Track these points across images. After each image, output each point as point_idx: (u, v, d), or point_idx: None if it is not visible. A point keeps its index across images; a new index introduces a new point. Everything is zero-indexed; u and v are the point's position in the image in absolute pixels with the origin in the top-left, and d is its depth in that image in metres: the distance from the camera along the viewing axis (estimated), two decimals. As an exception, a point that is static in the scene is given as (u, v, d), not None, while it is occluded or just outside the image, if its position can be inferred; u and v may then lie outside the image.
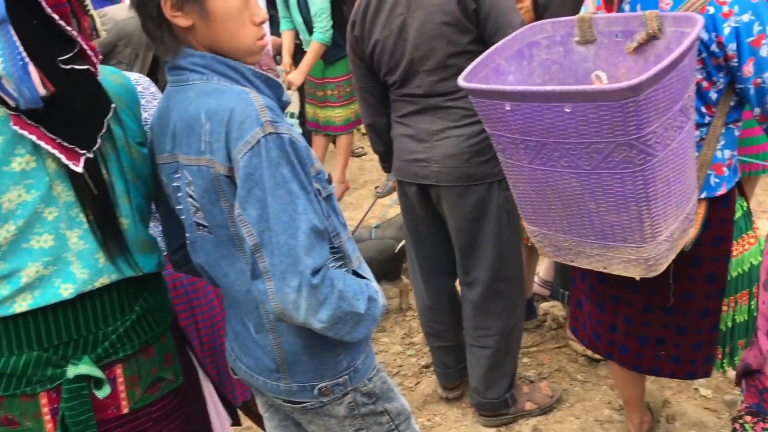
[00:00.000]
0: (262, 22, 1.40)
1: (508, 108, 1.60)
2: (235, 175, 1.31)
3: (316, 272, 1.30)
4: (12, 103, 1.25)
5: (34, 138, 1.28)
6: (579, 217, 1.72)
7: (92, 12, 1.39)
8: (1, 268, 1.32)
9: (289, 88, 4.95)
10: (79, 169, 1.31)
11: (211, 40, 1.37)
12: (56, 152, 1.29)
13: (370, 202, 5.08)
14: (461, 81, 1.69)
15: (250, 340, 1.51)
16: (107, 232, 1.39)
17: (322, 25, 4.54)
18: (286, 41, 4.96)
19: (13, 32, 1.21)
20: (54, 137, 1.29)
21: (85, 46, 1.33)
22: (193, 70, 1.38)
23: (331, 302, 1.32)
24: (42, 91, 1.24)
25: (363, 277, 1.47)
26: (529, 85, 1.90)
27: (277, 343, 1.47)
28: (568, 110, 1.50)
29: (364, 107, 2.65)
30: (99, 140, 1.34)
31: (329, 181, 1.45)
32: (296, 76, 4.71)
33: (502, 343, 2.62)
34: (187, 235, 1.51)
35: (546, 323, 3.36)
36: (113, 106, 1.38)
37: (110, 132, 1.39)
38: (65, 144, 1.30)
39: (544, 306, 3.42)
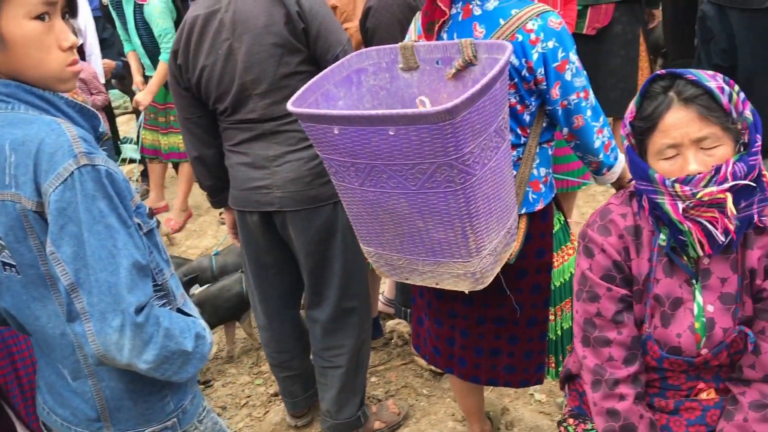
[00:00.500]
0: (72, 47, 1.31)
1: (336, 132, 1.64)
2: (46, 211, 1.23)
3: (139, 310, 1.26)
4: None
5: None
6: (410, 235, 1.78)
7: None
8: None
9: (137, 109, 4.79)
10: None
11: (13, 68, 1.27)
12: None
13: (214, 230, 4.98)
14: (290, 106, 1.72)
15: (66, 388, 1.42)
16: None
17: (169, 45, 4.44)
18: (134, 62, 4.83)
19: None
20: None
21: None
22: None
23: (157, 341, 1.28)
24: None
25: (188, 315, 1.43)
26: (359, 110, 1.96)
27: (98, 389, 1.40)
28: (392, 133, 1.56)
29: (189, 140, 2.56)
30: None
31: (150, 215, 1.40)
32: (144, 97, 4.58)
33: (352, 361, 2.65)
34: None
35: (392, 341, 3.43)
36: None
37: None
38: None
39: (390, 324, 3.50)
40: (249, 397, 3.18)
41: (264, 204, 2.46)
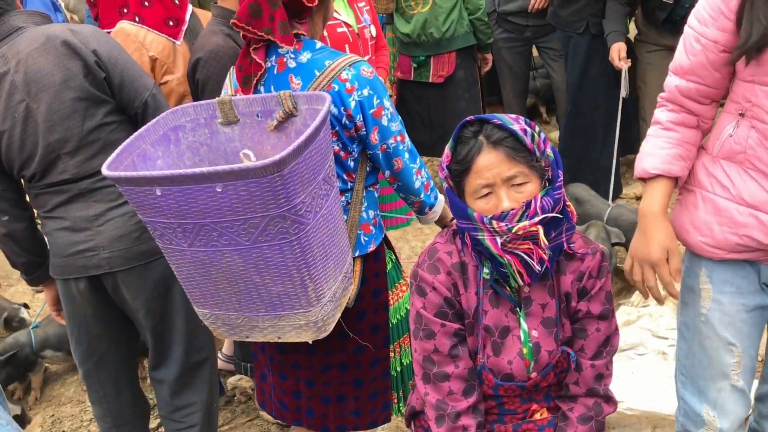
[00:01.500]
0: None
1: (159, 193, 1.57)
2: None
3: None
4: None
5: None
6: (247, 292, 1.74)
7: None
8: None
9: None
10: None
11: None
12: None
13: (28, 299, 4.55)
14: (105, 170, 1.62)
15: None
16: None
17: None
18: None
19: None
20: None
21: None
22: None
23: None
24: None
25: None
26: (180, 167, 1.89)
27: None
28: (219, 190, 1.52)
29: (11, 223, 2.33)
30: None
31: None
32: None
33: (206, 417, 2.52)
34: None
35: (235, 398, 3.31)
36: None
37: None
38: None
39: (231, 381, 3.38)
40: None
41: (90, 268, 2.27)
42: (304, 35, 1.95)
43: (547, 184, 1.67)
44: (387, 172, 2.02)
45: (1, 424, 1.38)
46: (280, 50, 1.92)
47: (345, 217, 1.96)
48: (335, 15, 3.15)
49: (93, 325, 2.41)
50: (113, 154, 1.70)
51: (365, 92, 1.90)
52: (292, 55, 1.91)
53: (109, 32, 2.76)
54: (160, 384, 2.51)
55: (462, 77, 4.60)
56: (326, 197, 1.70)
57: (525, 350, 1.71)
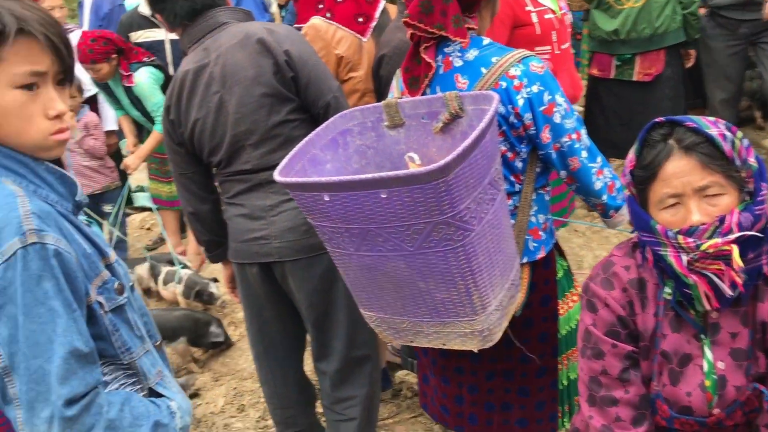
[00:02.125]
0: (59, 116, 1.28)
1: (327, 199, 1.59)
2: None
3: (72, 402, 1.19)
4: None
5: None
6: (412, 298, 1.72)
7: None
8: None
9: (126, 171, 4.77)
10: None
11: None
12: None
13: (219, 274, 4.88)
14: (277, 176, 1.67)
15: None
16: None
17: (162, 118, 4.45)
18: (126, 125, 4.83)
19: None
20: None
21: None
22: None
23: None
24: None
25: (161, 395, 1.38)
26: (348, 171, 1.91)
27: None
28: (384, 196, 1.51)
29: (184, 196, 2.55)
30: None
31: (120, 291, 1.35)
32: (132, 161, 4.58)
33: (365, 412, 2.56)
34: None
35: (402, 392, 3.33)
36: None
37: None
38: None
39: (399, 374, 3.40)
40: (254, 455, 3.08)
41: (262, 255, 2.41)
42: (474, 29, 1.90)
43: (747, 198, 1.47)
44: (563, 173, 1.91)
45: (172, 391, 1.44)
46: (446, 49, 1.89)
47: (512, 221, 1.89)
48: (540, 1, 3.08)
49: (265, 308, 2.54)
50: (285, 160, 1.75)
51: (535, 89, 1.81)
52: (459, 54, 1.87)
53: (301, 28, 2.89)
54: (322, 375, 2.58)
55: (669, 75, 4.31)
56: (492, 201, 1.64)
57: (708, 383, 1.53)
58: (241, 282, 2.55)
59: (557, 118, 1.84)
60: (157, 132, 4.50)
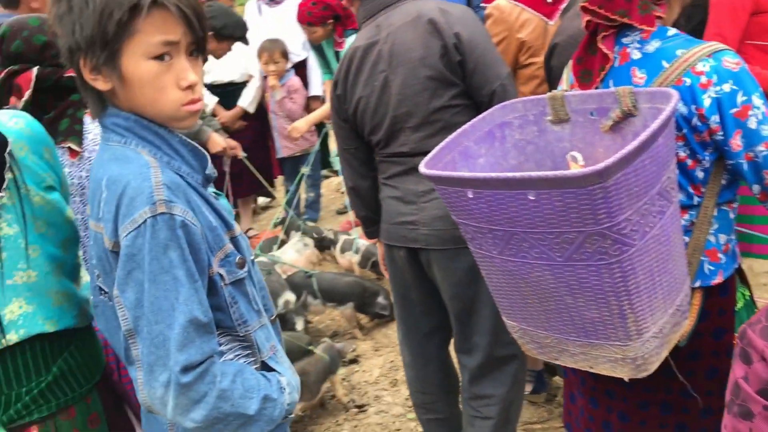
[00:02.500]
0: (191, 86, 1.30)
1: (470, 196, 1.47)
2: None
3: (188, 369, 1.21)
4: None
5: None
6: (557, 312, 1.56)
7: None
8: None
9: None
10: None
11: (132, 104, 1.30)
12: None
13: None
14: (422, 167, 1.57)
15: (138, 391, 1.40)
16: None
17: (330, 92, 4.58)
18: (329, 90, 5.08)
19: None
20: None
21: None
22: (114, 131, 1.31)
23: (209, 402, 1.23)
24: None
25: (272, 370, 1.38)
26: (502, 167, 1.77)
27: (172, 424, 1.36)
28: (532, 198, 1.36)
29: (346, 170, 2.58)
30: (6, 175, 1.35)
31: (241, 265, 1.35)
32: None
33: (503, 413, 2.45)
34: (91, 297, 1.43)
35: (557, 398, 3.15)
36: (12, 138, 1.36)
37: (9, 180, 1.38)
38: None
39: (556, 379, 3.22)
40: (398, 430, 3.10)
41: (410, 240, 2.38)
42: (661, 18, 1.68)
43: None
44: (756, 188, 1.63)
45: (284, 367, 1.45)
46: (623, 39, 1.68)
47: (686, 239, 1.65)
48: None
49: (410, 290, 2.51)
50: (434, 151, 1.65)
51: (726, 87, 1.56)
52: (638, 45, 1.66)
53: (485, 7, 2.80)
54: (463, 368, 2.50)
55: None
56: (660, 215, 1.43)
57: None
58: (390, 262, 2.54)
59: (752, 123, 1.58)
60: None
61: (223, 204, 1.43)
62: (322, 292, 4.10)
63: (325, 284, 4.11)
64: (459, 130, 1.71)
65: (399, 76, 2.26)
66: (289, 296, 4.01)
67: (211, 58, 4.58)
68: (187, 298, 1.22)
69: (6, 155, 1.35)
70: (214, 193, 1.43)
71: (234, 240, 1.39)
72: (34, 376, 1.43)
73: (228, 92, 5.18)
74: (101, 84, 1.28)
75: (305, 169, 4.99)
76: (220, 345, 1.34)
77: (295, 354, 3.32)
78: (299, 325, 3.85)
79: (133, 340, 1.26)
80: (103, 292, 1.36)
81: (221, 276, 1.31)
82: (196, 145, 1.36)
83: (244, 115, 5.22)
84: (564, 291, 1.49)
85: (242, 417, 1.28)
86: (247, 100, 5.19)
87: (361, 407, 3.37)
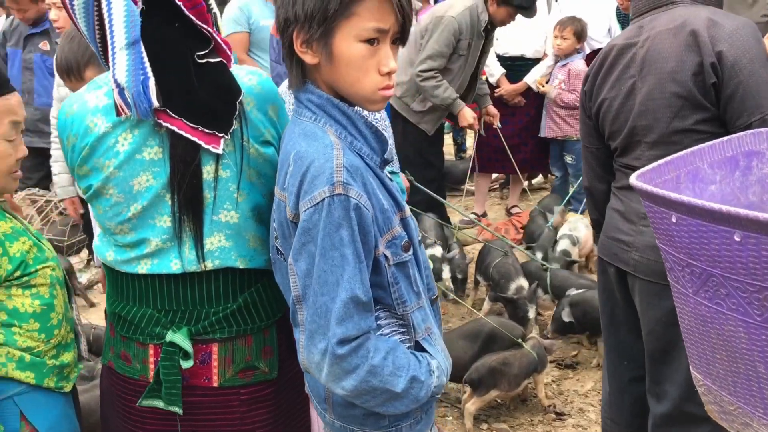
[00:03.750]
0: (390, 73, 1.38)
1: (673, 220, 1.31)
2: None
3: (344, 342, 1.30)
4: (126, 112, 1.44)
5: (175, 128, 1.46)
6: (746, 378, 1.33)
7: (215, 9, 1.53)
8: (132, 237, 1.57)
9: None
10: (219, 150, 1.48)
11: (333, 80, 1.40)
12: (196, 139, 1.46)
13: None
14: (633, 179, 1.42)
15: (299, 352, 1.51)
16: (186, 220, 1.52)
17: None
18: None
19: (143, 50, 1.41)
20: (195, 126, 1.46)
21: (220, 41, 1.48)
22: (307, 107, 1.42)
23: (359, 374, 1.32)
24: (156, 103, 1.42)
25: (425, 350, 1.44)
26: (739, 203, 1.54)
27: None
28: (737, 239, 1.17)
29: (585, 168, 2.49)
30: (234, 122, 1.48)
31: (406, 248, 1.41)
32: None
33: None
34: (270, 254, 1.56)
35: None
36: (243, 93, 1.50)
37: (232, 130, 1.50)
38: (206, 131, 1.46)
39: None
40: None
41: (620, 261, 2.25)
42: None
43: None
44: None
45: (437, 349, 1.49)
46: None
47: None
48: None
49: (618, 309, 2.38)
50: (655, 163, 1.49)
51: None
52: None
53: None
54: (651, 413, 2.30)
55: None
56: None
57: None
58: (601, 274, 2.42)
59: None
60: None
61: (397, 185, 1.50)
62: (554, 288, 3.97)
63: (558, 281, 3.97)
64: (694, 148, 1.52)
65: (646, 86, 2.09)
66: (522, 282, 3.96)
67: (502, 28, 4.56)
68: (351, 276, 1.30)
69: (237, 104, 1.49)
70: (388, 173, 1.50)
71: (403, 221, 1.45)
72: (222, 301, 1.58)
73: (517, 65, 5.15)
74: (309, 57, 1.38)
75: (569, 158, 4.82)
76: (378, 320, 1.42)
77: (504, 342, 3.28)
78: (531, 313, 3.78)
79: (299, 305, 1.38)
80: (279, 252, 1.49)
81: (386, 257, 1.38)
82: (378, 128, 1.44)
83: (527, 92, 5.16)
84: (757, 357, 1.27)
85: (389, 393, 1.36)
86: (533, 77, 5.12)
87: (560, 415, 3.27)
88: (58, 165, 3.51)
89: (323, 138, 1.36)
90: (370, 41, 1.35)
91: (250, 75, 1.59)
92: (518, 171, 5.28)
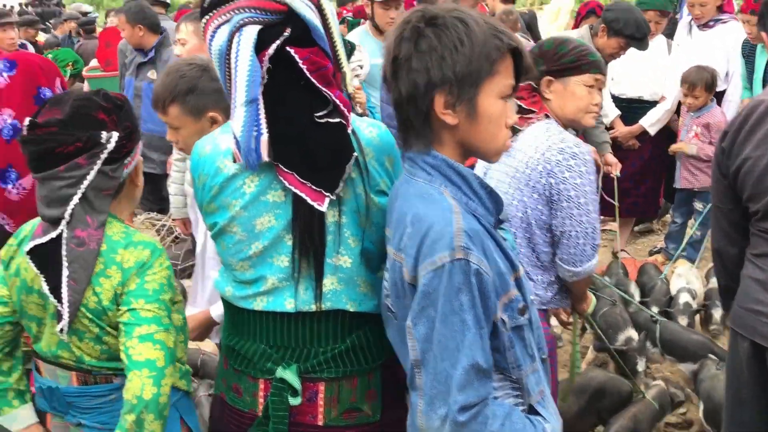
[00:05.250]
0: (512, 125, 1.45)
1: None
2: (417, 288, 1.34)
3: (465, 409, 1.29)
4: (238, 160, 1.52)
5: (286, 183, 1.53)
6: None
7: (345, 68, 1.56)
8: (251, 274, 1.62)
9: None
10: (322, 208, 1.51)
11: (470, 138, 1.42)
12: (303, 195, 1.51)
13: None
14: None
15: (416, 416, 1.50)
16: (304, 262, 1.56)
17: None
18: None
19: (261, 107, 1.48)
20: (304, 182, 1.51)
21: (339, 103, 1.51)
22: (422, 168, 1.43)
23: None
24: (265, 158, 1.50)
25: (538, 414, 1.44)
26: None
27: None
28: None
29: (715, 229, 2.36)
30: (341, 184, 1.51)
31: (522, 311, 1.40)
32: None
33: None
34: (382, 311, 1.58)
35: None
36: (355, 155, 1.52)
37: (351, 178, 1.54)
38: (314, 187, 1.50)
39: None
40: None
41: (759, 335, 2.11)
42: None
43: None
44: None
45: (549, 412, 1.47)
46: None
47: None
48: None
49: (744, 387, 2.23)
50: None
51: None
52: None
53: None
54: None
55: None
56: None
57: None
58: (731, 349, 2.27)
59: None
60: None
61: (510, 244, 1.50)
62: (663, 342, 3.78)
63: (668, 334, 3.78)
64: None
65: None
66: (632, 333, 3.79)
67: (619, 68, 4.40)
68: (472, 343, 1.30)
69: (356, 156, 1.53)
70: (502, 233, 1.50)
71: (518, 281, 1.45)
72: (332, 342, 1.61)
73: (633, 107, 4.99)
74: (450, 118, 1.39)
75: (699, 205, 4.59)
76: (492, 383, 1.40)
77: (613, 397, 3.15)
78: (641, 365, 3.61)
79: (418, 369, 1.37)
80: (389, 310, 1.51)
81: (503, 321, 1.37)
82: (492, 188, 1.45)
83: (642, 135, 4.98)
84: None
85: None
86: (650, 121, 4.94)
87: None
88: (174, 186, 3.66)
89: (441, 200, 1.37)
90: (506, 97, 1.40)
91: (371, 127, 1.62)
92: (627, 215, 5.10)
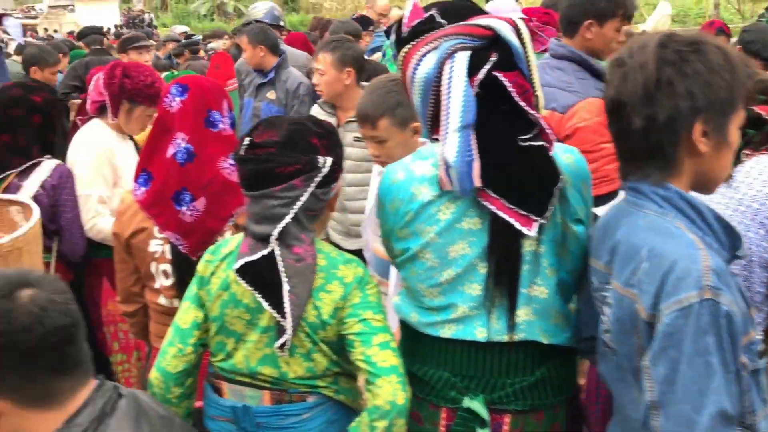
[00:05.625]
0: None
1: None
2: (655, 326, 1.26)
3: None
4: (448, 186, 1.50)
5: (493, 208, 1.49)
6: None
7: (538, 92, 1.52)
8: (440, 301, 1.59)
9: None
10: (532, 233, 1.49)
11: (711, 168, 1.37)
12: (512, 220, 1.48)
13: None
14: None
15: None
16: (498, 291, 1.52)
17: None
18: None
19: (472, 133, 1.46)
20: (512, 207, 1.48)
21: (544, 126, 1.49)
22: (652, 200, 1.35)
23: None
24: (477, 184, 1.47)
25: None
26: None
27: None
28: None
29: None
30: (550, 207, 1.48)
31: (761, 354, 1.32)
32: None
33: None
34: (598, 342, 1.50)
35: None
36: (562, 177, 1.49)
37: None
38: (521, 212, 1.47)
39: None
40: None
41: None
42: None
43: None
44: None
45: None
46: None
47: None
48: None
49: None
50: None
51: None
52: None
53: None
54: None
55: None
56: None
57: None
58: None
59: None
60: None
61: None
62: None
63: None
64: None
65: None
66: None
67: None
68: (718, 387, 1.22)
69: (555, 189, 1.49)
70: None
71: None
72: (521, 374, 1.56)
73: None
74: (703, 146, 1.33)
75: None
76: None
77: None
78: None
79: (655, 411, 1.28)
80: (606, 346, 1.44)
81: (744, 364, 1.29)
82: (729, 222, 1.36)
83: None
84: None
85: None
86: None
87: None
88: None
89: (681, 235, 1.30)
90: (740, 128, 1.37)
91: (567, 153, 1.58)
92: None
